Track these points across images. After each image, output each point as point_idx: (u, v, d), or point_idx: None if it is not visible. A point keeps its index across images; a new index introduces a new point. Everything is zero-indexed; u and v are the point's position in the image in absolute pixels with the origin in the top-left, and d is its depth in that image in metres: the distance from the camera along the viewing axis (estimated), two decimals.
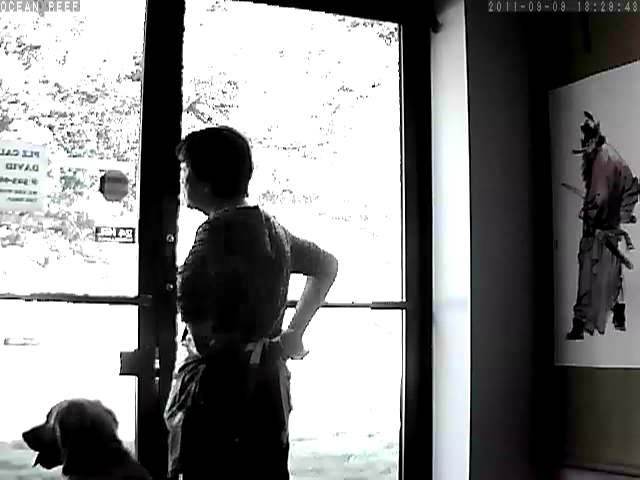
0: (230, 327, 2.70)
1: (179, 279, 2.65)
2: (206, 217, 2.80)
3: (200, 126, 6.62)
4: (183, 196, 2.94)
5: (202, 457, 2.66)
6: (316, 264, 2.97)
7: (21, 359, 8.02)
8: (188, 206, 2.94)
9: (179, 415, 2.68)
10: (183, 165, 2.90)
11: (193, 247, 2.68)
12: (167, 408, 2.75)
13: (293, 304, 2.95)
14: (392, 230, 3.95)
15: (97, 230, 3.45)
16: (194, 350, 2.70)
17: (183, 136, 3.11)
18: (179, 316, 2.68)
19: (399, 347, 3.80)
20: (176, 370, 2.78)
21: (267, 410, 2.73)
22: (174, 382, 2.77)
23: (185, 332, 2.78)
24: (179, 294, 2.65)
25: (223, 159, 2.85)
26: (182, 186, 2.92)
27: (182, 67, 3.42)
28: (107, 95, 6.40)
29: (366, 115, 6.81)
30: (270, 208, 3.01)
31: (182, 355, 2.78)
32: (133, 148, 6.18)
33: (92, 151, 6.44)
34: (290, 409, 2.82)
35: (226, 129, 2.98)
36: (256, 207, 2.85)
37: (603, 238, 3.54)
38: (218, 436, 2.66)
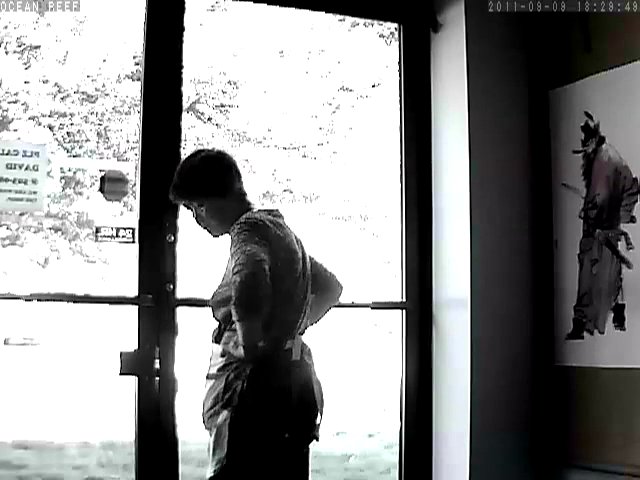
0: (272, 325, 2.69)
1: (238, 278, 2.56)
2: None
3: (200, 126, 6.62)
4: (211, 231, 2.91)
5: (251, 454, 2.65)
6: (325, 287, 3.01)
7: (21, 359, 8.01)
8: (216, 236, 2.92)
9: (224, 414, 2.67)
10: (193, 206, 2.89)
11: (239, 247, 2.64)
12: (207, 407, 2.73)
13: None
14: (392, 230, 3.95)
15: (97, 230, 3.45)
16: (237, 351, 2.65)
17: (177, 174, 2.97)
18: (235, 315, 2.58)
19: (399, 347, 3.80)
20: (213, 370, 2.75)
21: (305, 406, 2.76)
22: (212, 382, 2.74)
23: (219, 333, 2.76)
24: (239, 291, 2.56)
25: (221, 169, 2.90)
26: (204, 224, 2.90)
27: (182, 67, 3.43)
28: (107, 95, 6.40)
29: (366, 115, 6.80)
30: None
31: (218, 355, 2.75)
32: (133, 148, 6.16)
33: (92, 151, 6.43)
34: (322, 406, 2.83)
35: (189, 156, 3.00)
36: (277, 210, 2.91)
37: (603, 238, 3.54)
38: (267, 433, 2.66)
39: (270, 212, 2.88)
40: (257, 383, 2.66)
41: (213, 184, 2.88)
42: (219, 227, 2.89)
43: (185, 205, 2.95)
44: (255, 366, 2.66)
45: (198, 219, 2.91)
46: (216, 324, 2.82)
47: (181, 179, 2.91)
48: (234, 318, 2.60)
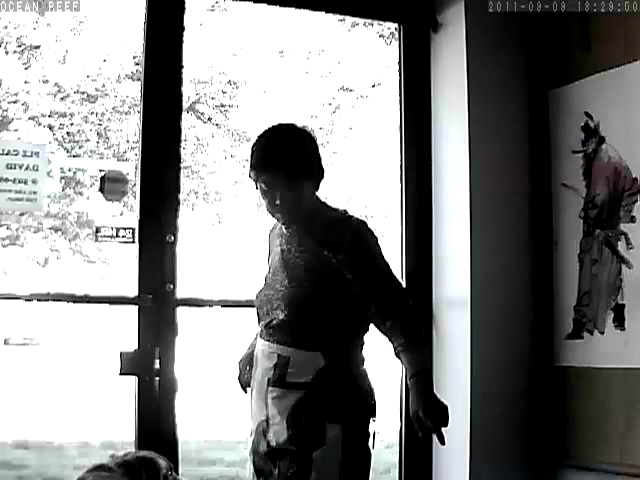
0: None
1: (403, 291, 2.56)
2: (343, 217, 2.56)
3: (200, 126, 6.62)
4: (282, 218, 2.56)
5: (363, 472, 2.53)
6: None
7: (21, 359, 8.02)
8: (284, 222, 2.57)
9: (335, 428, 2.42)
10: (278, 185, 2.46)
11: (382, 258, 2.54)
12: (303, 423, 2.44)
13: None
14: (392, 230, 3.95)
15: (97, 230, 3.45)
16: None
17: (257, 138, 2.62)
18: (413, 322, 2.54)
19: None
20: (294, 378, 2.48)
21: None
22: (300, 394, 2.45)
23: (304, 338, 2.50)
24: (411, 319, 2.54)
25: (315, 148, 2.59)
26: (282, 207, 2.50)
27: (182, 67, 3.43)
28: (107, 95, 6.40)
29: (366, 115, 6.80)
30: None
31: (301, 363, 2.48)
32: (133, 148, 6.17)
33: (92, 151, 6.44)
34: None
35: (281, 126, 2.64)
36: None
37: (603, 238, 3.54)
38: (371, 446, 2.57)
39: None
40: (363, 392, 2.58)
41: (316, 163, 2.56)
42: (295, 214, 2.53)
43: (263, 182, 2.49)
44: (356, 375, 2.54)
45: (277, 201, 2.49)
46: (288, 326, 2.52)
47: (285, 150, 2.50)
48: (406, 342, 2.50)
